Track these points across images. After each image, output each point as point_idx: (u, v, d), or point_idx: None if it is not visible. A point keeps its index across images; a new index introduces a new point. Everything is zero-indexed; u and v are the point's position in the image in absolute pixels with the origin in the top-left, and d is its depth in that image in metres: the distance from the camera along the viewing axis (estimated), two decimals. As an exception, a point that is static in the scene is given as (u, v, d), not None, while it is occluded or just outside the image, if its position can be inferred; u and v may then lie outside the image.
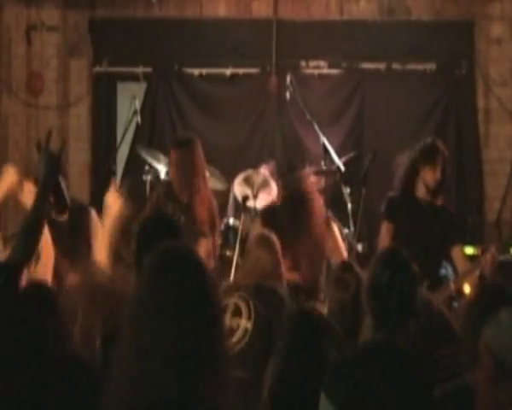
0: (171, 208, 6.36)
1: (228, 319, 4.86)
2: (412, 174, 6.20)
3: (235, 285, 5.13)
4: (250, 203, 7.34)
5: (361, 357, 3.43)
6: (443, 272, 6.42)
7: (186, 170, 6.24)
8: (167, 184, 6.65)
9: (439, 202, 6.22)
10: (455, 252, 6.20)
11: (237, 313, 4.90)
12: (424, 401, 3.32)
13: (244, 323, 4.86)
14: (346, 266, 4.65)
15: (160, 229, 3.91)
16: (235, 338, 4.81)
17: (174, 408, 2.31)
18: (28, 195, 5.21)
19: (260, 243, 5.22)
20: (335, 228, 6.12)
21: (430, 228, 6.16)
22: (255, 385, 3.95)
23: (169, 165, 6.47)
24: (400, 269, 3.49)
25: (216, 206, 6.40)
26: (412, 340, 3.50)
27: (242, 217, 7.01)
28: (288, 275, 5.84)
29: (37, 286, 3.28)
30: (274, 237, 5.28)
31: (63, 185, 3.78)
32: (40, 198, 3.62)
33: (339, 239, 6.09)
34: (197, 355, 2.33)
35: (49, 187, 3.65)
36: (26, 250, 3.58)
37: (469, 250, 7.01)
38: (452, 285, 5.83)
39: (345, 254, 6.05)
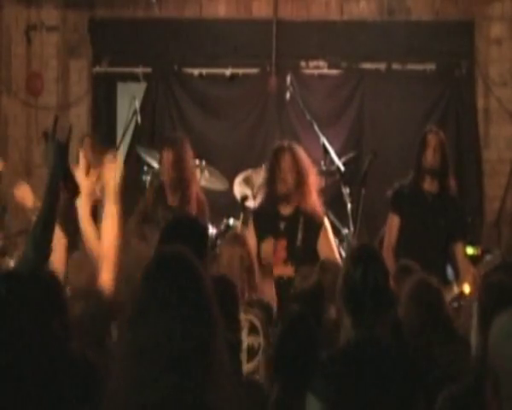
0: (161, 211, 6.36)
1: (244, 339, 4.85)
2: (417, 165, 6.26)
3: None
4: (249, 203, 7.34)
5: (344, 356, 3.47)
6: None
7: (178, 169, 6.31)
8: (158, 188, 6.64)
9: (449, 192, 6.25)
10: (456, 249, 6.22)
11: (253, 330, 4.89)
12: (407, 392, 3.35)
13: (263, 342, 4.85)
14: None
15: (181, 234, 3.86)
16: (255, 361, 4.78)
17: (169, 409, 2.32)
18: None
19: (233, 242, 5.26)
20: (329, 228, 6.16)
21: (435, 223, 6.18)
22: None
23: (160, 166, 6.51)
24: (371, 264, 3.51)
25: (206, 204, 6.44)
26: (391, 331, 3.54)
27: (241, 217, 7.01)
28: (281, 269, 5.88)
29: (45, 280, 3.22)
30: (244, 235, 5.35)
31: (72, 171, 3.74)
32: (50, 192, 3.56)
33: (332, 240, 6.14)
34: (194, 357, 2.34)
35: (59, 177, 3.60)
36: (38, 253, 3.49)
37: (469, 250, 7.01)
38: (455, 288, 5.84)
39: (337, 253, 6.08)
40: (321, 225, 6.09)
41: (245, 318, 4.85)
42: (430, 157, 6.22)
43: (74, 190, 3.69)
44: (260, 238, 6.08)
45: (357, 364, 3.38)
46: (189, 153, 6.50)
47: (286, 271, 5.91)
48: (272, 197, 6.19)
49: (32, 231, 3.55)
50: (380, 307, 3.45)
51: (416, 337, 3.89)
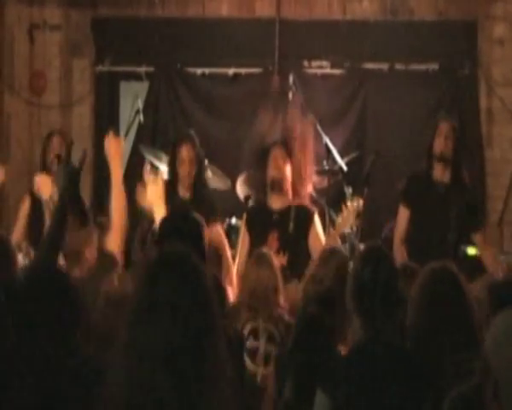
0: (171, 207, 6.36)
1: (262, 345, 4.90)
2: (427, 154, 6.23)
3: (247, 306, 5.12)
4: (251, 203, 7.34)
5: (353, 357, 3.47)
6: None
7: (197, 164, 6.41)
8: (166, 183, 6.60)
9: (462, 181, 6.21)
10: (477, 240, 6.20)
11: (272, 339, 4.94)
12: (415, 392, 3.35)
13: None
14: None
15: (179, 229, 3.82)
16: (271, 367, 4.81)
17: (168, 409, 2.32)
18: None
19: (259, 263, 5.29)
20: (318, 222, 6.23)
21: (446, 214, 6.13)
22: None
23: (177, 162, 6.51)
24: (380, 263, 3.51)
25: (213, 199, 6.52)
26: (400, 331, 3.53)
27: (244, 217, 7.00)
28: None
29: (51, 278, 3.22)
30: (271, 254, 5.42)
31: (83, 198, 3.79)
32: (59, 212, 3.60)
33: (321, 235, 6.19)
34: (194, 357, 2.34)
35: (68, 200, 3.64)
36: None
37: (471, 251, 6.99)
38: None
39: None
40: (312, 217, 6.22)
41: (264, 326, 4.93)
42: (441, 145, 6.17)
43: (83, 220, 3.73)
44: (252, 231, 6.27)
45: (366, 365, 3.39)
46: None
47: (278, 260, 5.95)
48: (263, 192, 6.28)
49: (39, 248, 3.57)
50: (389, 307, 3.44)
51: (427, 336, 3.83)
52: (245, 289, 5.23)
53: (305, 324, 3.89)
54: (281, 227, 6.18)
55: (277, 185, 6.24)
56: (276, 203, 6.30)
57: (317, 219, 6.26)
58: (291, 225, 6.14)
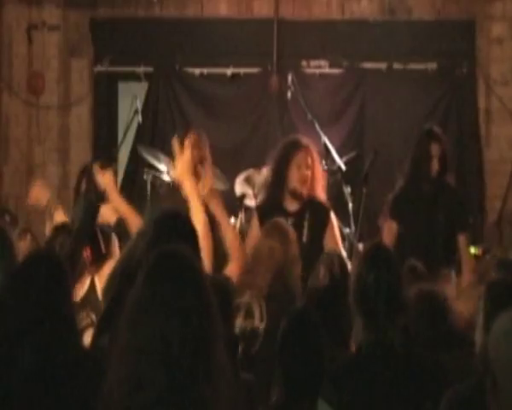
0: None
1: (240, 321, 4.85)
2: (414, 167, 6.19)
3: (246, 282, 5.08)
4: (249, 202, 7.34)
5: (356, 361, 3.45)
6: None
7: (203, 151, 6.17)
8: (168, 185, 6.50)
9: (447, 183, 6.17)
10: (460, 242, 6.19)
11: (250, 314, 4.89)
12: (418, 395, 3.34)
13: (257, 325, 4.84)
14: None
15: (174, 231, 3.79)
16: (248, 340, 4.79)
17: (166, 408, 2.32)
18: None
19: (272, 232, 5.21)
20: (335, 223, 6.18)
21: (434, 221, 6.11)
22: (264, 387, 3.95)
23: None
24: (385, 266, 3.49)
25: None
26: (402, 335, 3.53)
27: (240, 216, 7.00)
28: None
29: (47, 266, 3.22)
30: (288, 226, 5.28)
31: (99, 234, 3.83)
32: (75, 244, 3.64)
33: (337, 236, 6.15)
34: (193, 357, 2.34)
35: (85, 234, 3.68)
36: None
37: (473, 250, 6.99)
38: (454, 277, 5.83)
39: (342, 249, 6.08)
40: (327, 221, 6.09)
41: (242, 300, 4.85)
42: (435, 168, 6.12)
43: (98, 256, 3.76)
44: None
45: (369, 369, 3.37)
46: None
47: None
48: (279, 193, 6.14)
49: None
50: (392, 311, 3.43)
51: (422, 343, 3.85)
52: (256, 258, 5.10)
53: (291, 321, 3.85)
54: (295, 231, 6.08)
55: (299, 196, 6.12)
56: (291, 205, 6.11)
57: (333, 217, 6.15)
58: (305, 233, 6.04)
